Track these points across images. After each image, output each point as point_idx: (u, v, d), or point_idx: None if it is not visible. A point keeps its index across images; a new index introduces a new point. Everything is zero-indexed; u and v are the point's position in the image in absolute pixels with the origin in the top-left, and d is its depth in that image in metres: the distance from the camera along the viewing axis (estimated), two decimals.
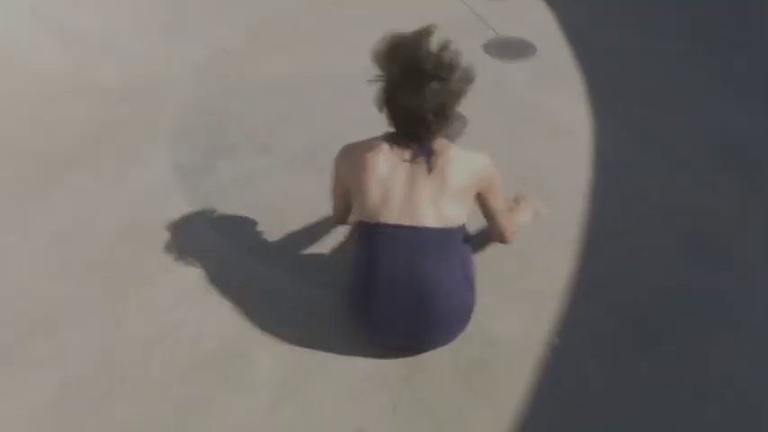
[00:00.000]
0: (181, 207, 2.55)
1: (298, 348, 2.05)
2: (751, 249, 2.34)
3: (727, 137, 2.79)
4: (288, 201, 2.56)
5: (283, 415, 1.89)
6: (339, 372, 1.99)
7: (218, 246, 2.40)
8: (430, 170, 1.90)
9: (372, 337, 2.02)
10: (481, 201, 2.06)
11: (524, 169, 2.63)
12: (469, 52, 3.18)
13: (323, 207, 2.36)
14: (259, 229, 2.46)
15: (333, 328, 2.07)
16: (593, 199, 2.52)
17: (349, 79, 3.05)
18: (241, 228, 2.46)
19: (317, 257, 2.34)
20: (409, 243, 1.90)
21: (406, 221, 1.89)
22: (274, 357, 2.03)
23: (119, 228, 2.46)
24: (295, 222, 2.47)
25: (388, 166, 1.93)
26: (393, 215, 1.90)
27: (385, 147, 1.95)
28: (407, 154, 1.92)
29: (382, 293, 1.91)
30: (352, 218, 2.05)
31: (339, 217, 2.24)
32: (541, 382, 1.96)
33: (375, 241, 1.92)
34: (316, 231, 2.43)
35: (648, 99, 2.98)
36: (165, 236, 2.43)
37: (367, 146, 1.98)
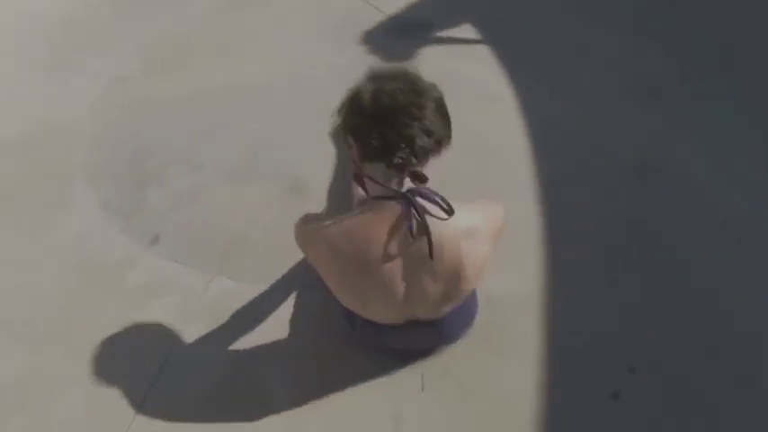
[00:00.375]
0: (125, 245, 2.35)
1: (305, 358, 1.98)
2: (694, 174, 2.50)
3: (640, 77, 2.95)
4: (240, 212, 2.43)
5: (314, 421, 1.82)
6: (358, 368, 1.93)
7: (180, 274, 2.24)
8: (431, 255, 1.52)
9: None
10: None
11: (464, 136, 2.65)
12: (372, 39, 3.26)
13: (280, 213, 2.31)
14: (218, 247, 2.32)
15: (335, 329, 2.00)
16: (536, 152, 2.60)
17: (265, 85, 2.97)
18: (198, 250, 2.32)
19: (292, 260, 2.24)
20: (420, 331, 1.78)
21: (413, 317, 1.70)
22: (283, 373, 1.94)
23: (65, 282, 2.23)
24: (255, 233, 2.36)
25: (379, 261, 1.55)
26: (398, 317, 1.70)
27: (369, 231, 1.55)
28: (396, 222, 1.53)
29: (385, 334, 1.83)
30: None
31: None
32: (548, 326, 2.02)
33: (375, 331, 1.79)
34: (280, 236, 2.31)
35: (556, 54, 3.10)
36: (120, 278, 2.24)
37: (343, 235, 1.57)
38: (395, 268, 1.55)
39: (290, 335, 2.04)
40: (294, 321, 2.08)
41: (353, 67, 2.96)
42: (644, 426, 1.79)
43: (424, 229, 1.50)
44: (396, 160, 1.47)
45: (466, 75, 2.98)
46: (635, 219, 2.34)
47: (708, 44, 3.11)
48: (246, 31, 3.30)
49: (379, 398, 1.85)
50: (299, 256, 2.24)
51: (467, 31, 3.30)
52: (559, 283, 2.13)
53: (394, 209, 1.53)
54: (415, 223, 1.50)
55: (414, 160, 1.50)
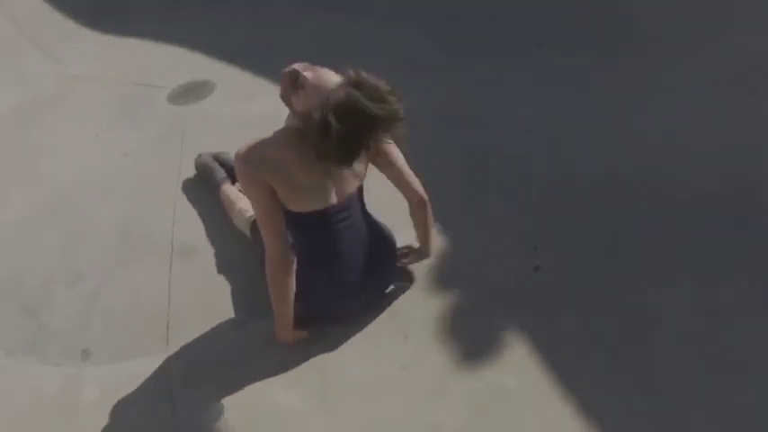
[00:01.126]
0: (58, 373, 2.28)
1: (296, 366, 2.18)
2: (487, 109, 3.14)
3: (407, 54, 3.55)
4: (148, 294, 2.49)
5: (340, 402, 2.07)
6: (344, 346, 2.21)
7: (133, 368, 2.25)
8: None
9: (340, 311, 2.25)
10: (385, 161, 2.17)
11: None
12: (158, 110, 3.38)
13: (183, 275, 2.51)
14: (152, 330, 2.37)
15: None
16: None
17: (93, 181, 3.01)
18: (136, 342, 2.35)
19: (223, 305, 2.42)
20: (352, 213, 2.13)
21: (341, 198, 2.08)
22: (287, 385, 2.14)
23: None
24: (176, 301, 2.46)
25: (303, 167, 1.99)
26: (331, 198, 2.06)
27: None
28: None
29: (347, 268, 2.14)
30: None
31: (281, 244, 2.01)
32: (455, 255, 2.50)
33: (332, 226, 2.09)
34: (198, 293, 2.48)
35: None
36: (75, 403, 2.18)
37: (279, 147, 1.99)
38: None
39: (268, 357, 2.21)
40: (262, 346, 2.25)
41: (154, 141, 3.20)
42: (567, 281, 2.35)
43: None
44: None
45: (257, 112, 3.22)
46: (466, 152, 2.91)
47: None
48: (46, 140, 3.27)
49: (382, 356, 2.17)
50: (225, 300, 2.44)
51: (244, 78, 3.58)
52: (445, 221, 2.56)
53: None
54: None
55: None
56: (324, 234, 2.11)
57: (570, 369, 2.06)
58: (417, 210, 2.26)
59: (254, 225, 2.33)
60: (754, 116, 2.95)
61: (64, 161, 3.15)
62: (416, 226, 2.33)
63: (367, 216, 2.23)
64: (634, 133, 2.91)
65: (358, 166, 2.05)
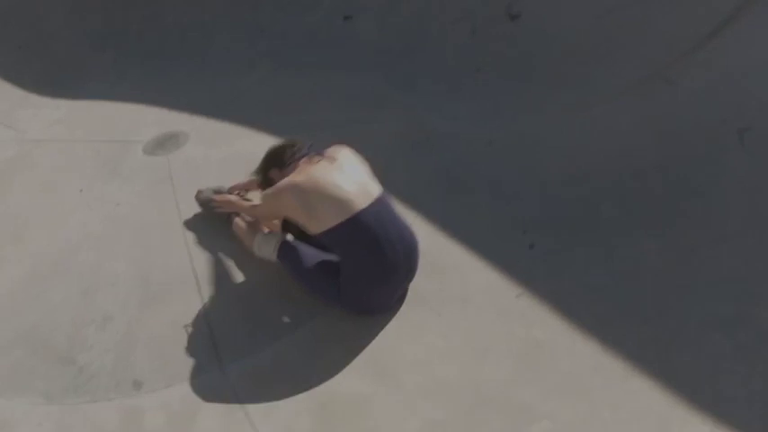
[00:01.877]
0: (111, 408, 2.39)
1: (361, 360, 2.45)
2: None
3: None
4: (201, 322, 2.66)
5: (400, 379, 2.34)
6: (389, 335, 2.51)
7: (186, 383, 2.44)
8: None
9: (378, 301, 2.56)
10: None
11: None
12: (138, 162, 3.53)
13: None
14: (204, 352, 2.55)
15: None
16: None
17: (95, 233, 3.12)
18: (177, 360, 2.51)
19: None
20: (383, 210, 2.51)
21: (368, 200, 2.49)
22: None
23: None
24: (224, 330, 2.64)
25: (326, 174, 2.52)
26: (360, 202, 2.46)
27: (310, 166, 2.58)
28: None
29: (391, 256, 2.45)
30: (314, 230, 2.48)
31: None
32: (454, 247, 2.87)
33: (367, 225, 2.43)
34: (242, 315, 2.67)
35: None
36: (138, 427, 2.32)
37: (304, 175, 2.54)
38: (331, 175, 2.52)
39: (322, 354, 2.47)
40: (313, 346, 2.52)
41: (144, 190, 3.37)
42: (558, 251, 2.76)
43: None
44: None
45: (238, 152, 3.49)
46: (437, 168, 3.31)
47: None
48: (26, 200, 3.33)
49: (424, 333, 2.49)
50: (264, 314, 2.65)
51: (215, 125, 3.81)
52: (438, 221, 2.96)
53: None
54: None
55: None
56: (365, 237, 2.45)
57: (580, 314, 2.47)
58: None
59: (281, 248, 2.64)
60: (673, 104, 3.37)
61: (55, 218, 3.21)
62: None
63: (395, 215, 2.58)
64: (580, 132, 3.37)
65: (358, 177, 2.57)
